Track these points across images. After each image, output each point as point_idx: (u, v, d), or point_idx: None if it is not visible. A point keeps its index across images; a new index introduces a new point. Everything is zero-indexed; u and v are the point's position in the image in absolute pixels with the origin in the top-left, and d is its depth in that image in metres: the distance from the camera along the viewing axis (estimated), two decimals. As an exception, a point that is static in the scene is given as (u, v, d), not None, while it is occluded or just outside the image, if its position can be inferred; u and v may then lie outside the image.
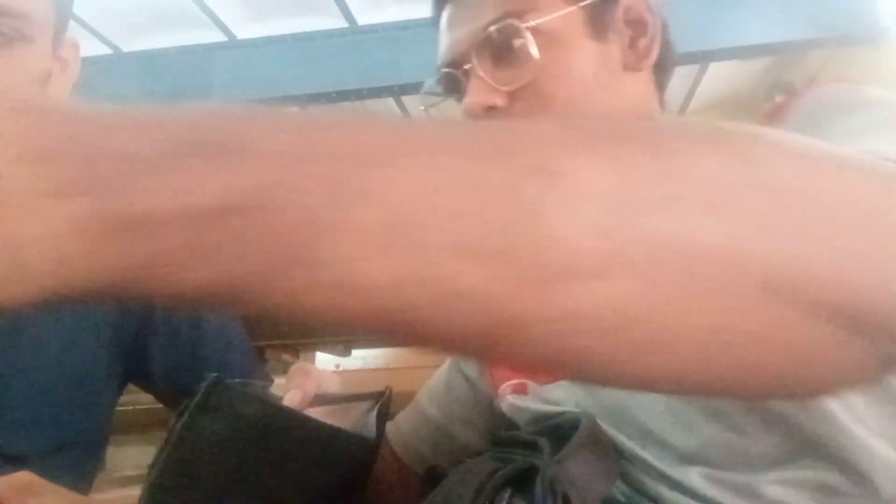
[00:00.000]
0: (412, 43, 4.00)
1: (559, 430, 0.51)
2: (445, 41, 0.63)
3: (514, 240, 0.21)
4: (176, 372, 0.82)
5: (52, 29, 0.76)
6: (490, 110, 0.58)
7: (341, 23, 4.01)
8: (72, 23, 3.24)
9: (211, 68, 4.16)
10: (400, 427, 0.76)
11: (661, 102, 0.66)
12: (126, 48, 4.32)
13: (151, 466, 0.39)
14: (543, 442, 0.50)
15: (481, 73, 0.58)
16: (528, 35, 0.56)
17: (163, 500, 0.39)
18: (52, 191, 0.19)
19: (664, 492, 0.50)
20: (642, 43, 0.61)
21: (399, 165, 0.22)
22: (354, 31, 4.03)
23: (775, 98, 4.80)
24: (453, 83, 0.63)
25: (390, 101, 5.35)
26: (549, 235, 0.21)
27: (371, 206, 0.21)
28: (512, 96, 0.58)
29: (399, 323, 0.21)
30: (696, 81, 4.84)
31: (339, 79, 4.00)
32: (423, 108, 0.68)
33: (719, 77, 4.69)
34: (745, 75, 4.79)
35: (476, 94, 0.58)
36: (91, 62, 4.45)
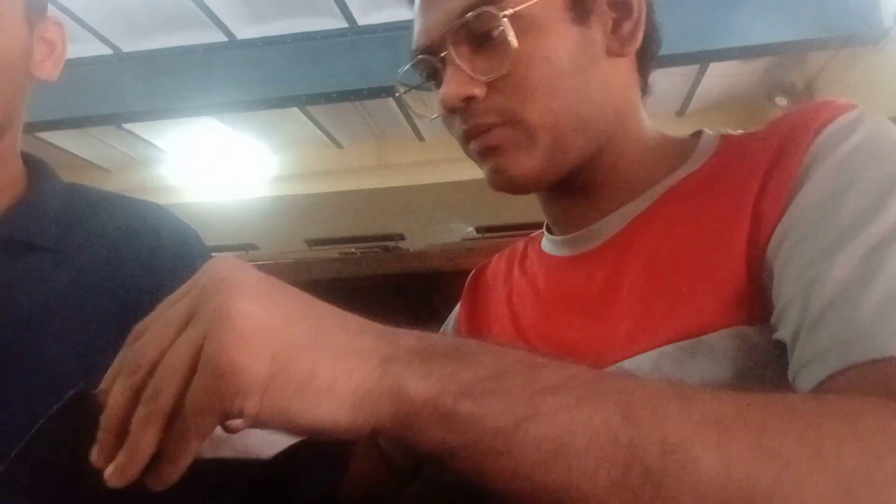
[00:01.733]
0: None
1: None
2: (419, 24, 0.60)
3: (638, 490, 0.31)
4: None
5: (23, 4, 0.74)
6: (468, 100, 0.55)
7: (341, 23, 4.01)
8: (72, 23, 3.22)
9: (211, 68, 4.16)
10: None
11: (644, 88, 0.62)
12: (126, 48, 4.32)
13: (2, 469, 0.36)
14: None
15: (458, 61, 0.55)
16: (506, 23, 0.53)
17: (13, 497, 0.36)
18: (372, 359, 0.34)
19: None
20: (626, 27, 0.58)
21: (559, 397, 0.33)
22: (354, 31, 4.03)
23: (776, 99, 4.80)
24: (429, 69, 0.60)
25: (390, 101, 5.37)
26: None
27: (539, 424, 0.32)
28: (490, 86, 0.55)
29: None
30: (696, 81, 4.84)
31: (339, 79, 4.00)
32: (397, 94, 0.65)
33: (719, 77, 4.70)
34: (745, 75, 4.79)
35: (453, 84, 0.55)
36: (91, 62, 4.45)
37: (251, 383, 0.31)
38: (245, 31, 4.15)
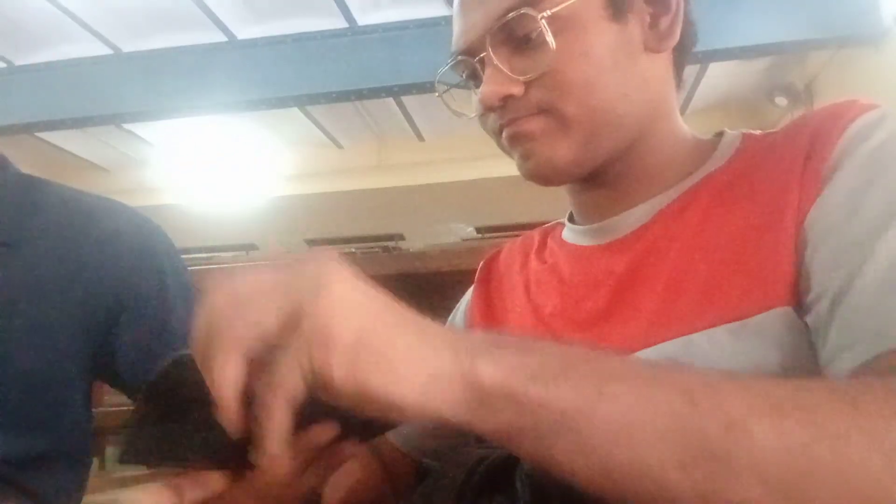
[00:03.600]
0: (412, 43, 4.00)
1: None
2: (459, 26, 0.61)
3: (702, 466, 0.33)
4: (140, 365, 0.76)
5: None
6: (507, 99, 0.57)
7: (341, 23, 4.01)
8: (72, 23, 3.24)
9: (211, 68, 4.16)
10: None
11: (679, 83, 0.64)
12: (126, 48, 4.32)
13: (143, 391, 0.43)
14: None
15: (497, 62, 0.56)
16: (545, 24, 0.54)
17: (155, 416, 0.42)
18: (446, 347, 0.37)
19: None
20: (664, 22, 0.59)
21: (624, 383, 0.35)
22: (354, 31, 4.03)
23: (776, 99, 4.80)
24: (468, 69, 0.62)
25: (390, 101, 5.36)
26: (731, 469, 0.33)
27: (606, 404, 0.35)
28: (529, 84, 0.56)
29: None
30: (696, 81, 4.84)
31: (339, 79, 4.00)
32: (437, 94, 0.66)
33: (719, 77, 4.69)
34: (745, 76, 4.79)
35: (492, 84, 0.57)
36: (91, 62, 4.45)
37: (340, 347, 0.34)
38: (245, 31, 4.15)
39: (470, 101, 0.64)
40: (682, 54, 0.62)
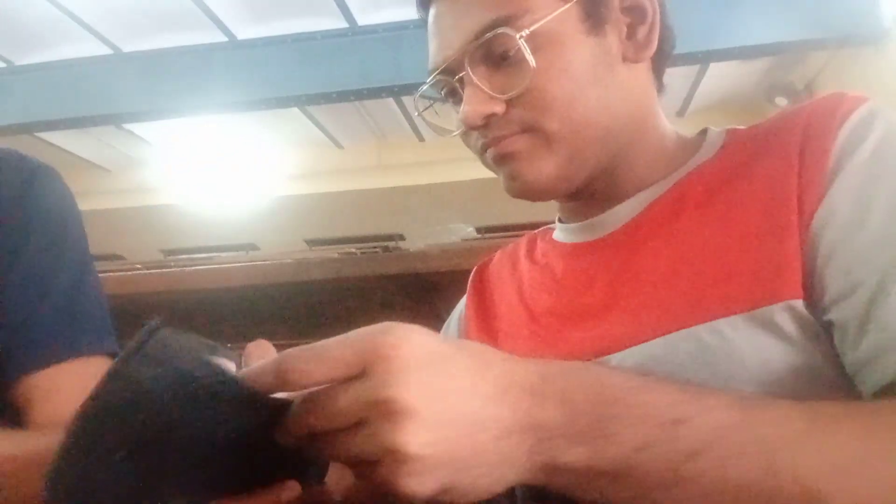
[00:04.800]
0: (412, 43, 4.00)
1: None
2: (435, 44, 0.61)
3: None
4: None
5: None
6: (489, 118, 0.57)
7: (341, 23, 4.01)
8: (72, 23, 3.23)
9: (211, 68, 4.16)
10: None
11: (660, 86, 0.64)
12: (126, 48, 4.32)
13: (76, 412, 0.37)
14: None
15: (476, 82, 0.56)
16: (523, 43, 0.54)
17: (81, 449, 0.37)
18: (521, 455, 0.37)
19: None
20: (641, 31, 0.58)
21: (702, 462, 0.36)
22: (354, 31, 4.03)
23: (776, 99, 4.80)
24: (447, 87, 0.61)
25: (390, 101, 5.36)
26: None
27: (684, 489, 0.36)
28: (510, 103, 0.56)
29: None
30: (696, 82, 4.84)
31: (339, 79, 4.00)
32: (416, 113, 0.66)
33: (719, 77, 4.69)
34: (745, 76, 4.79)
35: (473, 103, 0.56)
36: (91, 62, 4.45)
37: (419, 500, 0.35)
38: (245, 31, 4.15)
39: (452, 116, 0.63)
40: (661, 59, 0.62)
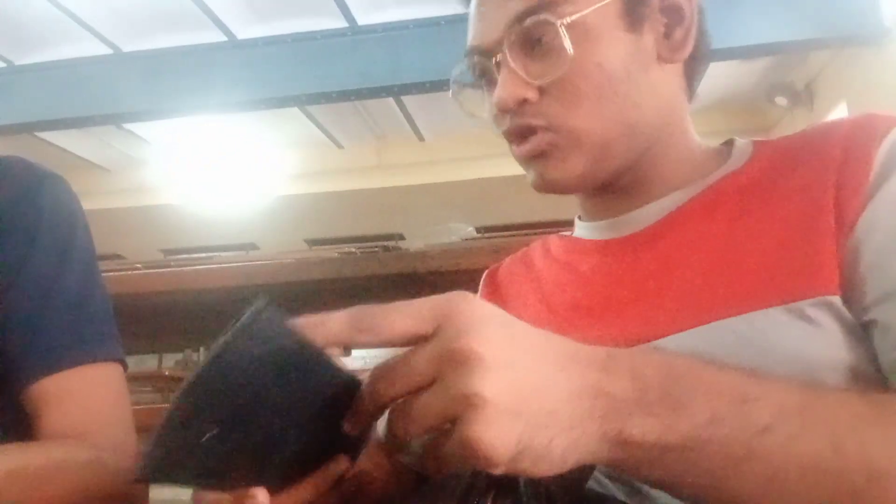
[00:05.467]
0: (412, 43, 4.00)
1: None
2: (476, 26, 0.61)
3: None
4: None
5: None
6: (522, 104, 0.57)
7: (341, 23, 4.01)
8: (72, 23, 3.23)
9: (211, 68, 4.16)
10: None
11: (692, 93, 0.64)
12: (126, 48, 4.33)
13: (181, 389, 0.38)
14: None
15: (513, 65, 0.57)
16: (563, 31, 0.54)
17: (186, 419, 0.38)
18: (594, 422, 0.36)
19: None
20: (678, 33, 0.59)
21: (772, 437, 0.37)
22: (354, 31, 4.03)
23: (776, 99, 4.80)
24: (481, 69, 0.62)
25: (390, 101, 5.37)
26: None
27: (755, 463, 0.36)
28: (542, 90, 0.57)
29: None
30: (697, 82, 4.84)
31: (339, 79, 4.00)
32: (451, 95, 0.66)
33: (719, 77, 4.70)
34: (745, 76, 4.79)
35: (508, 88, 0.57)
36: (91, 62, 4.45)
37: (499, 460, 0.34)
38: (245, 31, 4.16)
39: (479, 101, 0.64)
40: (695, 65, 0.63)
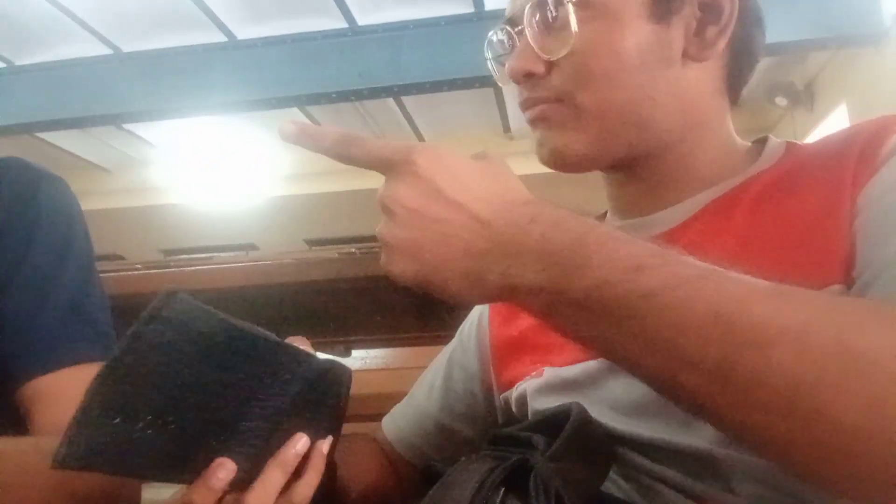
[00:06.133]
0: (412, 43, 4.00)
1: (552, 423, 0.51)
2: None
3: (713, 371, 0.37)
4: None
5: None
6: (528, 76, 0.58)
7: (341, 23, 4.01)
8: (72, 23, 3.22)
9: (211, 68, 4.16)
10: (397, 423, 0.76)
11: (734, 97, 0.63)
12: (126, 48, 4.32)
13: (97, 375, 0.37)
14: (538, 439, 0.49)
15: (529, 38, 0.58)
16: (571, 7, 0.55)
17: (105, 407, 0.37)
18: (490, 279, 0.43)
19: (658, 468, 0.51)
20: (711, 31, 0.57)
21: (658, 299, 0.39)
22: (354, 31, 4.03)
23: (776, 99, 4.80)
24: (507, 38, 0.63)
25: (390, 101, 5.36)
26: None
27: (641, 321, 0.39)
28: (553, 65, 0.57)
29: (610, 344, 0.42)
30: (697, 82, 4.83)
31: (339, 79, 4.00)
32: (487, 58, 0.66)
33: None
34: (746, 76, 4.79)
35: (519, 59, 0.58)
36: (91, 62, 4.45)
37: (402, 283, 0.44)
38: (245, 31, 4.15)
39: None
40: (735, 69, 0.61)
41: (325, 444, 0.50)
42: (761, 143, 0.63)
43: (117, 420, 0.38)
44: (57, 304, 0.67)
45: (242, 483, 0.44)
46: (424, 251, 0.43)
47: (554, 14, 0.56)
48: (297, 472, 0.48)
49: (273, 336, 0.44)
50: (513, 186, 0.46)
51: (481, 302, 0.47)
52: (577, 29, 0.55)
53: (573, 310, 0.40)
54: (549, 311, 0.42)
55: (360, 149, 0.45)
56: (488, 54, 0.66)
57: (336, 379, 0.51)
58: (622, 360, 0.41)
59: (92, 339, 0.68)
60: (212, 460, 0.42)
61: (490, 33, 0.65)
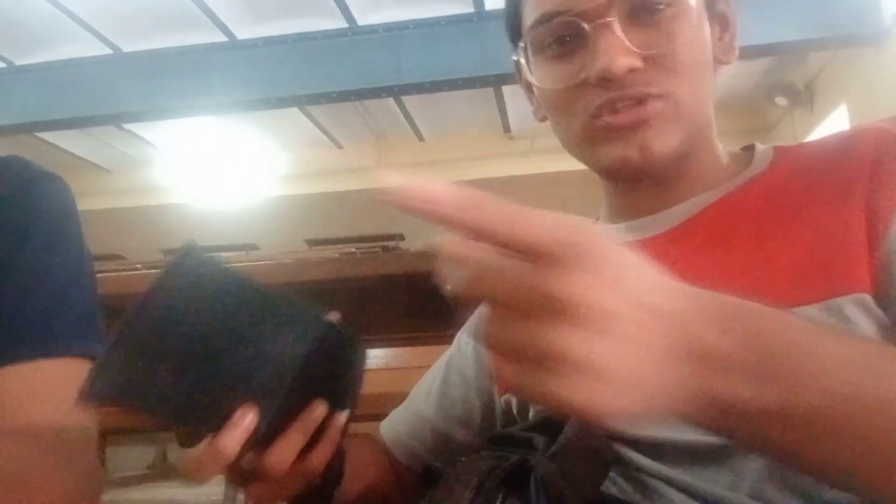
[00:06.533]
0: (412, 43, 4.00)
1: (552, 423, 0.51)
2: None
3: None
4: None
5: None
6: (630, 73, 0.55)
7: (341, 23, 4.01)
8: (72, 23, 3.22)
9: (211, 68, 4.16)
10: (395, 427, 0.76)
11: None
12: (126, 48, 4.32)
13: (122, 319, 0.39)
14: (538, 440, 0.49)
15: (619, 33, 0.55)
16: (679, 3, 0.56)
17: (129, 350, 0.39)
18: (676, 357, 0.32)
19: (655, 467, 0.51)
20: (726, 38, 0.62)
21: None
22: (354, 31, 4.03)
23: (776, 99, 4.80)
24: (563, 33, 0.58)
25: (390, 101, 5.36)
26: None
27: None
28: (647, 61, 0.56)
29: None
30: (697, 82, 4.83)
31: (339, 79, 4.00)
32: (515, 58, 0.64)
33: (719, 77, 4.69)
34: (745, 76, 4.79)
35: (615, 54, 0.55)
36: (91, 62, 4.45)
37: (584, 417, 0.31)
38: (245, 31, 4.15)
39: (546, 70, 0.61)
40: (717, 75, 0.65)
41: (340, 417, 0.50)
42: (749, 149, 0.65)
43: (140, 363, 0.39)
44: (43, 296, 0.66)
45: (257, 444, 0.44)
46: (636, 372, 0.31)
47: (650, 8, 0.56)
48: (312, 442, 0.48)
49: (284, 292, 0.45)
50: (669, 275, 0.36)
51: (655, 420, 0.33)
52: (674, 24, 0.56)
53: (795, 428, 0.33)
54: (758, 430, 0.34)
55: (507, 224, 0.32)
56: (530, 52, 0.62)
57: (348, 343, 0.51)
58: (832, 472, 0.35)
59: (74, 334, 0.67)
60: (231, 413, 0.43)
61: (536, 29, 0.60)
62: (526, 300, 0.30)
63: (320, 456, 0.49)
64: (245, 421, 0.43)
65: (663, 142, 0.57)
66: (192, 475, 0.44)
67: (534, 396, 0.31)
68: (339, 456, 0.52)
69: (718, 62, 0.61)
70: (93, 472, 0.63)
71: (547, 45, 0.60)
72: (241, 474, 0.48)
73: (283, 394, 0.44)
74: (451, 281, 0.33)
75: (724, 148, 0.65)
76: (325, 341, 0.47)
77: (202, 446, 0.44)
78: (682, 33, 0.56)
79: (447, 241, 0.33)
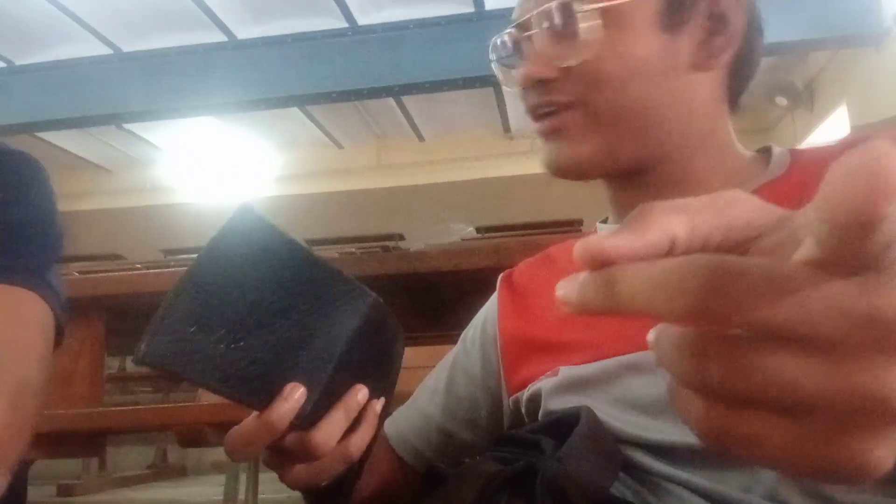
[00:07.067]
0: (412, 43, 4.00)
1: (560, 426, 0.50)
2: (520, 0, 0.63)
3: None
4: None
5: None
6: (539, 83, 0.58)
7: (341, 23, 4.01)
8: (72, 23, 3.21)
9: (211, 68, 4.16)
10: (399, 426, 0.76)
11: (734, 105, 0.64)
12: (126, 48, 4.32)
13: (176, 284, 0.38)
14: (546, 442, 0.49)
15: (538, 45, 0.58)
16: (587, 16, 0.56)
17: (182, 316, 0.38)
18: None
19: (665, 468, 0.50)
20: (719, 41, 0.58)
21: None
22: (354, 31, 4.03)
23: (776, 99, 4.80)
24: (514, 42, 0.63)
25: (390, 101, 5.36)
26: None
27: None
28: (563, 72, 0.57)
29: None
30: (697, 82, 4.83)
31: (339, 79, 4.00)
32: (491, 60, 0.66)
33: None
34: (746, 75, 4.78)
35: (530, 65, 0.58)
36: (91, 62, 4.45)
37: (869, 479, 0.21)
38: (245, 31, 4.15)
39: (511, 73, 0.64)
40: (737, 78, 0.62)
41: (378, 404, 0.49)
42: (765, 151, 0.64)
43: (193, 329, 0.39)
44: None
45: (304, 422, 0.44)
46: None
47: (565, 21, 0.57)
48: (352, 426, 0.48)
49: (334, 264, 0.44)
50: None
51: None
52: (590, 37, 0.55)
53: None
54: None
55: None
56: (492, 56, 0.66)
57: (392, 328, 0.51)
58: None
59: (17, 268, 0.63)
60: (280, 388, 0.42)
61: (495, 38, 0.65)
62: (841, 329, 0.20)
63: (359, 441, 0.48)
64: (296, 395, 0.42)
65: (573, 150, 0.59)
66: (238, 451, 0.44)
67: (815, 455, 0.21)
68: (374, 443, 0.51)
69: (697, 68, 0.58)
70: (22, 389, 0.57)
71: (508, 51, 0.64)
72: (281, 453, 0.47)
73: (330, 371, 0.44)
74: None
75: (741, 152, 0.64)
76: (372, 322, 0.47)
77: (249, 421, 0.43)
78: (600, 45, 0.56)
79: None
